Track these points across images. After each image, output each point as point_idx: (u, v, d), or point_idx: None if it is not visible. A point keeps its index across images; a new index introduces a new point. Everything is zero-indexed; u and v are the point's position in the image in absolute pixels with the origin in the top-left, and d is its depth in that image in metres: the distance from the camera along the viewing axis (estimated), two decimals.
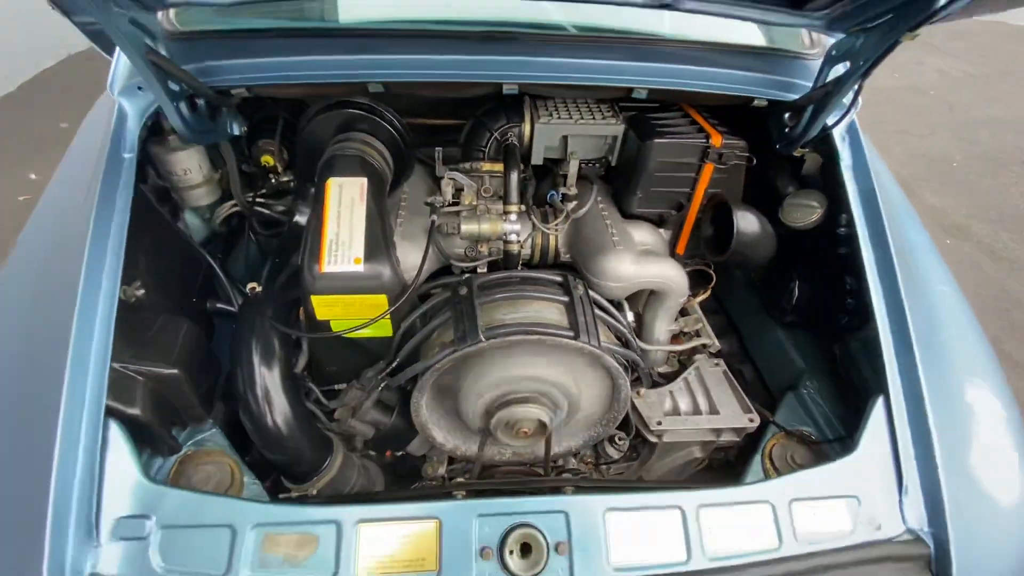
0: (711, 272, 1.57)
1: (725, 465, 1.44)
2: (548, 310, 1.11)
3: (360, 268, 1.12)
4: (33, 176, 3.74)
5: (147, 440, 1.08)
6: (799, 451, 1.24)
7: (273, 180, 1.63)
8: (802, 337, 1.51)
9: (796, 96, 1.26)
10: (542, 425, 1.13)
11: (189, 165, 1.41)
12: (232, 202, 1.56)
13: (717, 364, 1.40)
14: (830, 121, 1.20)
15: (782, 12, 1.11)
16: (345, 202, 1.18)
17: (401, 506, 0.97)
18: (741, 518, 1.01)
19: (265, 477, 1.23)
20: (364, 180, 1.20)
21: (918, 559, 1.00)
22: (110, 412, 0.96)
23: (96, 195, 1.07)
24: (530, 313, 1.09)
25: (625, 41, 1.29)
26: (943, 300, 1.28)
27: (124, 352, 1.03)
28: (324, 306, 1.15)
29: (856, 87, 1.10)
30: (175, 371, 1.10)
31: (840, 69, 1.15)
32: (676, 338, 1.49)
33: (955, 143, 4.87)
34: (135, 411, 1.03)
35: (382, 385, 1.24)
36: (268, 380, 1.16)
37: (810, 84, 1.29)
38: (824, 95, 1.17)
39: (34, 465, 0.88)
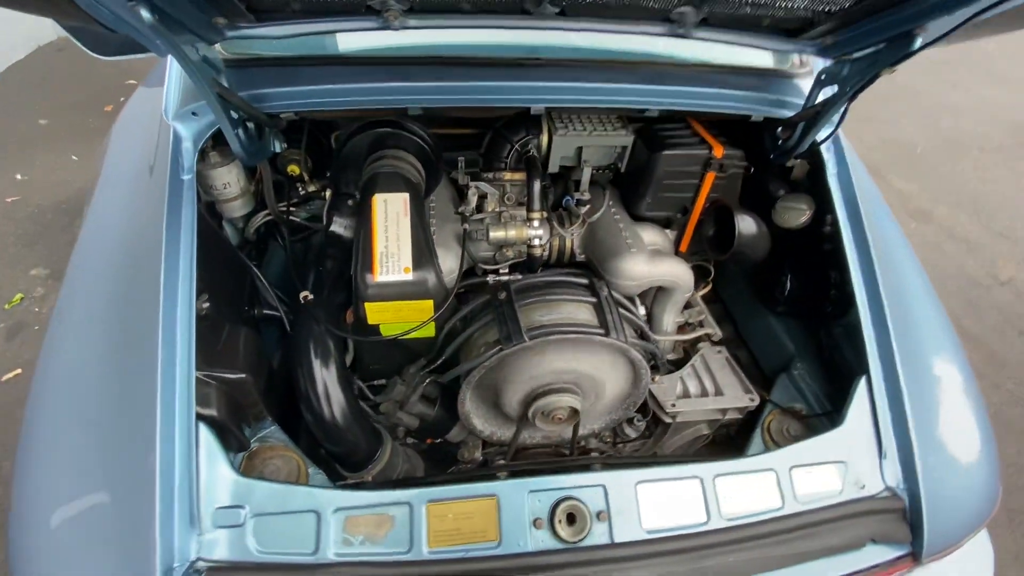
0: (710, 267, 1.74)
1: (727, 439, 1.63)
2: (579, 311, 1.26)
3: (409, 276, 1.24)
4: (19, 176, 3.67)
5: (221, 438, 1.19)
6: (793, 424, 1.43)
7: (301, 189, 1.72)
8: (791, 324, 1.69)
9: (789, 112, 1.41)
10: (574, 411, 1.28)
11: (229, 179, 1.49)
12: (265, 211, 1.65)
13: (719, 351, 1.58)
14: (819, 137, 1.36)
15: (781, 40, 1.26)
16: (391, 216, 1.30)
17: (462, 486, 1.11)
18: (750, 484, 1.18)
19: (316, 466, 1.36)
20: (406, 195, 1.32)
21: (895, 512, 1.19)
22: (197, 416, 1.07)
23: (164, 217, 1.16)
24: (564, 314, 1.24)
25: (639, 65, 1.42)
26: (911, 286, 1.46)
27: (202, 362, 1.14)
28: (376, 311, 1.27)
29: (843, 109, 1.26)
30: (243, 375, 1.21)
31: (828, 91, 1.31)
32: (681, 328, 1.65)
33: (919, 129, 5.15)
34: (214, 413, 1.14)
35: (427, 381, 1.37)
36: (328, 379, 1.28)
37: (800, 101, 1.44)
38: (814, 114, 1.32)
39: (140, 468, 0.99)
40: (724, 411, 1.45)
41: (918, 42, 1.04)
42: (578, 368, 1.26)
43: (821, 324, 1.59)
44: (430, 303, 1.27)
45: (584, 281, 1.33)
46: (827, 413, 1.44)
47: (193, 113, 1.24)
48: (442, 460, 1.58)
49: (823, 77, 1.30)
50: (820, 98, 1.34)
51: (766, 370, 1.71)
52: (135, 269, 1.16)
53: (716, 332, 1.60)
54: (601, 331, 1.19)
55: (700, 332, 1.60)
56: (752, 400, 1.44)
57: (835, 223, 1.49)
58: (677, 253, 1.68)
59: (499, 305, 1.25)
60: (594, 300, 1.27)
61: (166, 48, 0.97)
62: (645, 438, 1.54)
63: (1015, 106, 5.63)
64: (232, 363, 1.21)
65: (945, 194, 4.38)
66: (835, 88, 1.27)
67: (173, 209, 1.18)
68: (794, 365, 1.57)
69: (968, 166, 4.75)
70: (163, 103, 1.26)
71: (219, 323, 1.25)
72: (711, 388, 1.48)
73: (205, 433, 1.08)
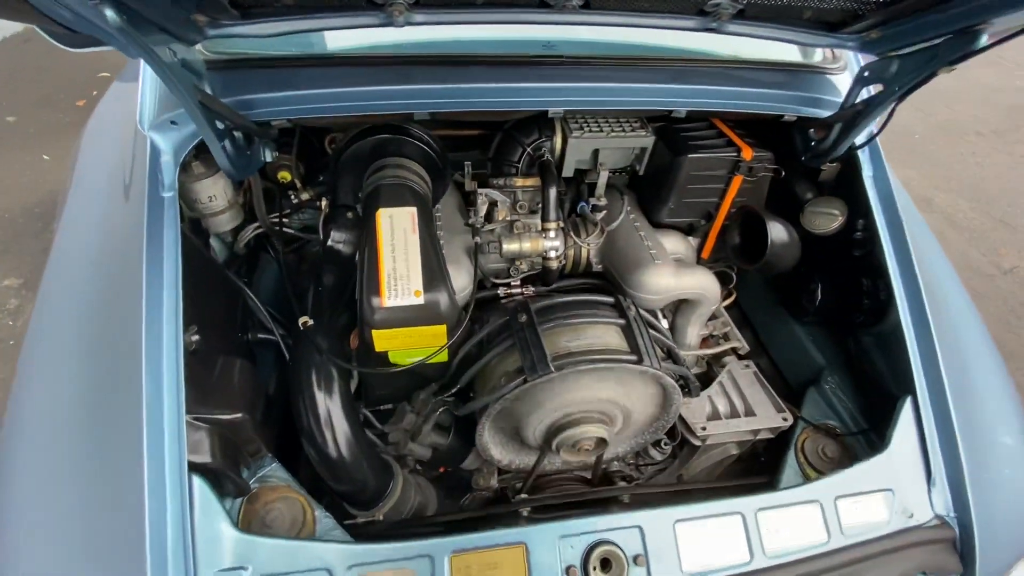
0: (732, 273, 1.65)
1: (753, 455, 1.55)
2: (608, 334, 1.16)
3: (420, 300, 1.13)
4: None
5: (216, 485, 1.08)
6: (828, 444, 1.35)
7: (294, 198, 1.59)
8: (817, 333, 1.61)
9: (825, 112, 1.31)
10: (601, 441, 1.19)
11: (214, 192, 1.36)
12: (256, 224, 1.52)
13: (747, 366, 1.49)
14: (859, 140, 1.26)
15: (821, 34, 1.15)
16: (398, 234, 1.18)
17: (487, 534, 1.01)
18: (794, 517, 1.11)
19: (320, 500, 1.25)
20: (413, 209, 1.20)
21: (945, 542, 1.12)
22: (189, 466, 0.96)
23: (143, 241, 1.03)
24: (592, 339, 1.13)
25: (665, 62, 1.30)
26: (950, 296, 1.39)
27: (193, 403, 1.02)
28: (385, 339, 1.16)
29: (889, 110, 1.16)
30: (240, 415, 1.09)
31: (867, 91, 1.20)
32: (705, 341, 1.56)
33: (914, 114, 5.10)
34: (208, 460, 1.03)
35: (440, 410, 1.26)
36: (332, 412, 1.17)
37: (834, 99, 1.34)
38: (854, 115, 1.22)
39: (126, 530, 0.88)
40: (756, 431, 1.36)
41: (983, 39, 0.94)
42: (607, 396, 1.16)
43: (849, 333, 1.52)
44: (443, 328, 1.16)
45: (610, 300, 1.23)
46: (863, 431, 1.36)
47: (172, 122, 1.10)
48: (455, 488, 1.48)
49: (866, 74, 1.20)
50: (861, 97, 1.24)
51: (792, 382, 1.64)
52: (112, 303, 1.03)
53: (743, 345, 1.51)
54: (633, 358, 1.10)
55: (726, 346, 1.51)
56: (785, 420, 1.36)
57: (869, 228, 1.40)
58: (699, 261, 1.59)
59: (520, 329, 1.14)
60: (622, 322, 1.17)
61: (137, 52, 0.83)
62: (670, 460, 1.46)
63: (1008, 88, 5.60)
64: (227, 401, 1.09)
65: (944, 180, 4.34)
66: (880, 87, 1.17)
67: (153, 232, 1.05)
68: (824, 378, 1.49)
69: (965, 151, 4.71)
70: (137, 110, 1.12)
71: (211, 356, 1.13)
72: (741, 407, 1.39)
73: (199, 485, 0.97)
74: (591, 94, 1.21)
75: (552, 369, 1.06)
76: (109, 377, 0.98)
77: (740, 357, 1.54)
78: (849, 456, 1.34)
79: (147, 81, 1.16)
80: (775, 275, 1.72)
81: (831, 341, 1.57)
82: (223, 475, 1.07)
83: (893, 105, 1.15)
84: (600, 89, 1.21)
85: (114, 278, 1.05)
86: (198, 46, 1.06)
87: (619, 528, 1.04)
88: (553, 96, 1.19)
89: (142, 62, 1.20)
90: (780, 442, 1.42)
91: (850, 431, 1.38)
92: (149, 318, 0.98)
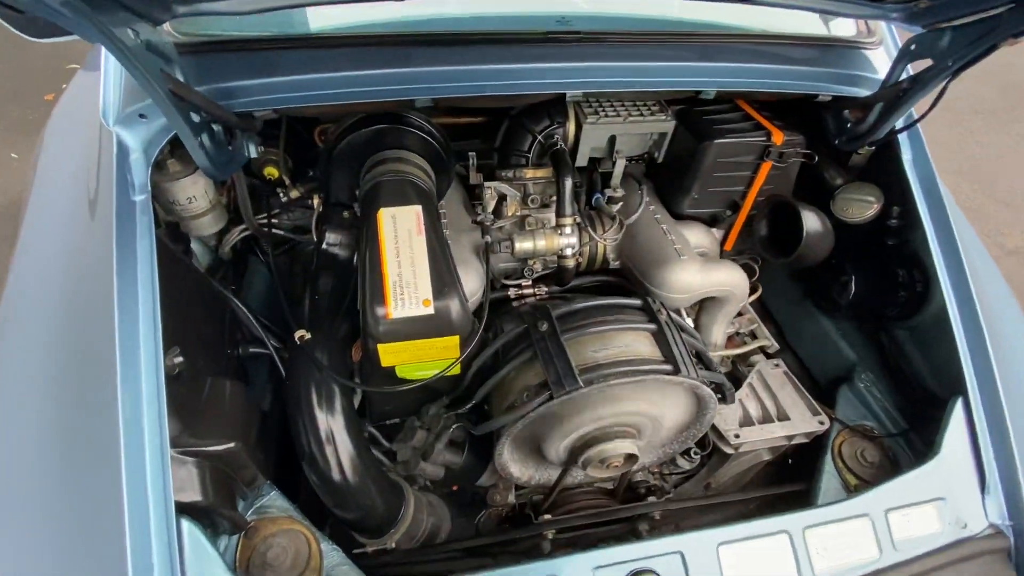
0: (756, 266, 1.55)
1: (783, 458, 1.46)
2: (638, 342, 1.05)
3: (430, 310, 1.01)
4: None
5: (209, 524, 0.97)
6: (867, 448, 1.27)
7: (282, 196, 1.45)
8: (847, 327, 1.52)
9: (863, 91, 1.20)
10: (631, 456, 1.09)
11: (194, 192, 1.22)
12: (242, 227, 1.39)
13: (777, 365, 1.40)
14: (899, 123, 1.15)
15: (861, 4, 1.04)
16: (402, 235, 1.06)
17: (514, 569, 0.91)
18: (843, 534, 1.02)
19: (321, 524, 1.15)
20: (418, 208, 1.08)
21: (999, 552, 1.05)
22: (177, 508, 0.84)
23: (113, 252, 0.90)
24: (621, 347, 1.03)
25: (690, 38, 1.18)
26: (991, 287, 1.30)
27: (179, 435, 0.90)
28: (391, 353, 1.05)
29: (941, 88, 1.05)
30: (232, 444, 0.97)
31: (908, 68, 1.10)
32: (730, 340, 1.47)
33: None
34: (198, 499, 0.91)
35: (453, 426, 1.16)
36: (336, 433, 1.06)
37: (873, 76, 1.23)
38: (897, 94, 1.11)
39: None
40: (791, 437, 1.28)
41: None
42: (636, 409, 1.06)
43: (881, 327, 1.43)
44: (456, 339, 1.05)
45: (637, 303, 1.12)
46: (903, 433, 1.28)
47: (141, 116, 0.96)
48: (468, 504, 1.38)
49: (912, 48, 1.09)
50: (905, 74, 1.13)
51: (820, 379, 1.55)
52: (80, 326, 0.91)
53: (772, 343, 1.42)
54: (668, 367, 1.00)
55: (754, 345, 1.42)
56: (822, 424, 1.27)
57: (904, 215, 1.31)
58: (721, 254, 1.48)
59: (541, 339, 1.04)
60: (653, 327, 1.07)
61: (92, 34, 0.70)
62: (698, 468, 1.37)
63: (1003, 65, 5.53)
64: (218, 430, 0.97)
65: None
66: (928, 62, 1.06)
67: (124, 241, 0.92)
68: (858, 376, 1.41)
69: (964, 130, 4.66)
70: (100, 104, 0.98)
71: (196, 380, 1.01)
72: (774, 411, 1.31)
73: (189, 529, 0.85)
74: (613, 74, 1.09)
75: (580, 383, 0.96)
76: (80, 413, 0.86)
77: (768, 356, 1.44)
78: (889, 459, 1.26)
79: (110, 69, 1.02)
80: (802, 268, 1.62)
81: (861, 335, 1.48)
82: (216, 513, 0.96)
83: (944, 83, 1.04)
84: (623, 69, 1.09)
85: (82, 297, 0.93)
86: (166, 26, 0.92)
87: (658, 555, 0.95)
88: (571, 77, 1.07)
89: (103, 50, 1.06)
90: (811, 444, 1.34)
91: (889, 432, 1.30)
92: (123, 341, 0.86)
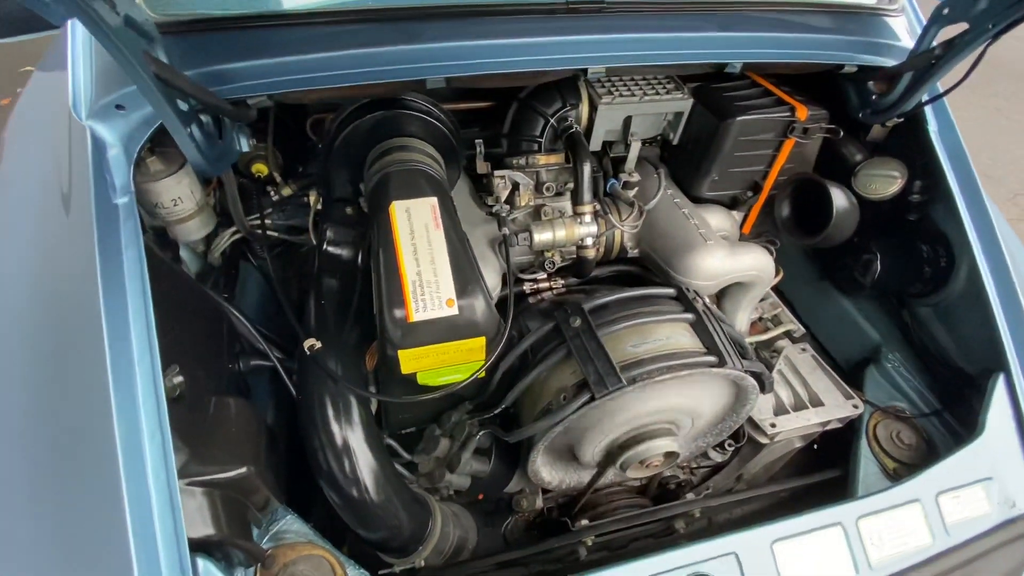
0: (772, 248, 1.50)
1: (810, 444, 1.43)
2: (678, 334, 0.99)
3: (454, 311, 0.93)
4: None
5: (223, 557, 0.88)
6: (902, 429, 1.24)
7: (273, 194, 1.34)
8: (868, 306, 1.49)
9: (889, 60, 1.15)
10: (671, 454, 1.04)
11: (179, 193, 1.11)
12: (233, 229, 1.28)
13: (804, 349, 1.36)
14: (927, 96, 1.11)
15: None
16: (418, 230, 0.97)
17: None
18: (895, 521, 0.99)
19: (340, 542, 1.06)
20: (434, 200, 0.99)
21: None
22: (190, 545, 0.75)
23: (97, 265, 0.79)
24: (661, 340, 0.97)
25: (716, 6, 1.11)
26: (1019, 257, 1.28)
27: (185, 464, 0.81)
28: (412, 359, 0.96)
29: (978, 54, 1.00)
30: (245, 469, 0.88)
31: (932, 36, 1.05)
32: (754, 325, 1.42)
33: None
34: (211, 533, 0.82)
35: (479, 434, 1.08)
36: (355, 448, 0.97)
37: (897, 44, 1.19)
38: (928, 63, 1.06)
39: None
40: (825, 423, 1.24)
41: None
42: (677, 404, 1.00)
43: (903, 305, 1.40)
44: (482, 341, 0.97)
45: (671, 291, 1.06)
46: (936, 412, 1.25)
47: (118, 106, 0.85)
48: (493, 512, 1.31)
49: (945, 11, 1.04)
50: (937, 40, 1.08)
51: (842, 363, 1.52)
52: (66, 351, 0.80)
53: (798, 327, 1.37)
54: (713, 359, 0.94)
55: (779, 330, 1.37)
56: (856, 407, 1.23)
57: (928, 190, 1.27)
58: (739, 237, 1.43)
59: (575, 336, 0.96)
60: (691, 317, 1.01)
61: (65, 10, 0.59)
62: (728, 460, 1.32)
63: None
64: (227, 454, 0.88)
65: None
66: (964, 26, 1.01)
67: (109, 250, 0.81)
68: (884, 356, 1.38)
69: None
70: (69, 95, 0.86)
71: (199, 400, 0.91)
72: (806, 397, 1.26)
73: (205, 567, 0.76)
74: (638, 47, 1.01)
75: (624, 382, 0.89)
76: (72, 449, 0.76)
77: (793, 340, 1.40)
78: (925, 441, 1.23)
79: (79, 56, 0.90)
80: (825, 248, 1.58)
81: (883, 315, 1.45)
82: (231, 545, 0.87)
83: (983, 48, 0.99)
84: (648, 41, 1.02)
85: (64, 320, 0.82)
86: (140, 2, 0.81)
87: (713, 558, 0.89)
88: (595, 51, 0.99)
89: (70, 32, 0.94)
90: (840, 428, 1.30)
91: (922, 412, 1.27)
92: (116, 364, 0.76)
